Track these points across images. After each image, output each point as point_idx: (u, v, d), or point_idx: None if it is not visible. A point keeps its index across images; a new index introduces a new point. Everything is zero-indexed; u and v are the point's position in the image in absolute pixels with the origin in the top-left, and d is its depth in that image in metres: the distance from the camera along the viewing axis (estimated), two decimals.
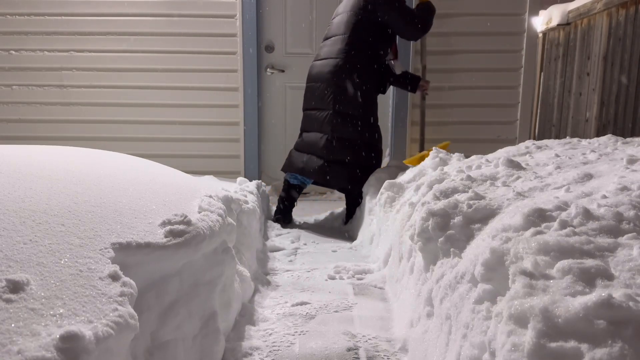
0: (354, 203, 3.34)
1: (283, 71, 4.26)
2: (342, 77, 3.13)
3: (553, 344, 0.79)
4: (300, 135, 3.40)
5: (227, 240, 1.69)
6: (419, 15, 3.19)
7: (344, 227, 3.33)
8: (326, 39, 3.32)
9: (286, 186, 3.41)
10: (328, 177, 3.21)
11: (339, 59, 3.15)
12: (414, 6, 3.39)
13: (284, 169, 3.42)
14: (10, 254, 1.01)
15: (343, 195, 3.97)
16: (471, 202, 1.47)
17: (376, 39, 3.18)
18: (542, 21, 4.15)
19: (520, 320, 0.86)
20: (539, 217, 1.18)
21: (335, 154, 3.18)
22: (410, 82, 3.35)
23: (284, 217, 3.36)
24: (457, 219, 1.44)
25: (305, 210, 3.84)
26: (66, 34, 3.92)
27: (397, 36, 3.32)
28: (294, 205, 3.46)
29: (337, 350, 1.57)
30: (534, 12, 3.91)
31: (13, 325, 0.84)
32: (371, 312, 1.88)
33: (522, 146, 2.63)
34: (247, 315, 1.79)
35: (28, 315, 0.87)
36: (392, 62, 3.36)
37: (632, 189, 1.27)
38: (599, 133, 3.80)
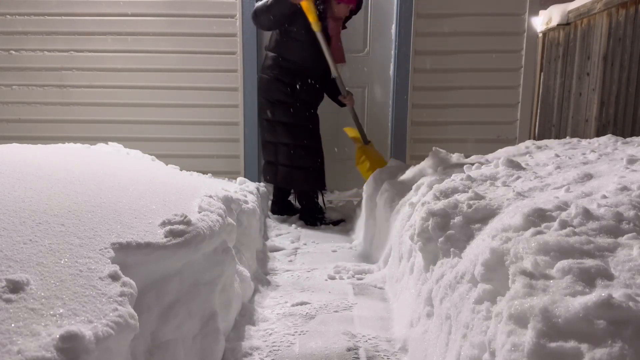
0: (301, 203, 3.48)
1: None
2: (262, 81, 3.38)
3: (553, 344, 0.79)
4: None
5: (227, 240, 1.69)
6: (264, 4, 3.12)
7: (339, 227, 3.33)
8: None
9: None
10: (267, 177, 3.47)
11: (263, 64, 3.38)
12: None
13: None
14: (10, 254, 1.01)
15: (346, 196, 4.03)
16: (471, 202, 1.47)
17: (278, 43, 3.28)
18: (542, 21, 4.14)
19: (520, 320, 0.86)
20: (539, 217, 1.18)
21: (265, 154, 3.44)
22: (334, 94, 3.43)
23: (274, 207, 3.60)
24: (457, 219, 1.44)
25: None
26: (66, 34, 3.91)
27: (341, 39, 3.35)
28: (287, 198, 3.62)
29: (337, 350, 1.57)
30: (534, 12, 3.90)
31: (13, 325, 0.84)
32: (371, 312, 1.88)
33: (522, 146, 2.63)
34: (247, 315, 1.78)
35: (28, 315, 0.87)
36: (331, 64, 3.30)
37: (632, 189, 1.27)
38: (599, 133, 3.80)
